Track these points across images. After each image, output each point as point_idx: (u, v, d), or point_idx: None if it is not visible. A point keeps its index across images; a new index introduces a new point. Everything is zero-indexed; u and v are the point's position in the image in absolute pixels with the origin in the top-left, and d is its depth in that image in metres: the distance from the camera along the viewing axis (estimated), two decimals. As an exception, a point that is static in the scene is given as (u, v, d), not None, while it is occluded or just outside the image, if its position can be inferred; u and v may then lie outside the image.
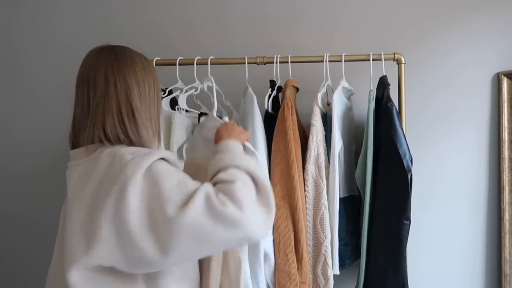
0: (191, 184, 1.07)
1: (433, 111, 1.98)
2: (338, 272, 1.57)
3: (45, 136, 2.20)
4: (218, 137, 1.28)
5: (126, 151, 1.11)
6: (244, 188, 1.07)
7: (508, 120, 1.91)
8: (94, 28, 2.18)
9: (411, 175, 1.51)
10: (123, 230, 1.02)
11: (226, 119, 1.38)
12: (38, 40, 2.23)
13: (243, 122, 1.69)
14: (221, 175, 1.10)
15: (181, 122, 1.69)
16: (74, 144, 1.22)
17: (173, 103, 1.75)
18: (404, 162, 1.49)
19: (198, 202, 1.02)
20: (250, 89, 1.69)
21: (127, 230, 1.01)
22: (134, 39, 2.08)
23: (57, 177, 2.19)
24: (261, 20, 2.08)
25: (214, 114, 1.42)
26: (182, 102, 1.71)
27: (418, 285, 1.87)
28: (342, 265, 1.59)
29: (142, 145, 1.17)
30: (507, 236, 1.90)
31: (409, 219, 1.51)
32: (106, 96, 1.17)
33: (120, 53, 1.22)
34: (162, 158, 1.11)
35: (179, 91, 1.74)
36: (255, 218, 1.06)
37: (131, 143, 1.16)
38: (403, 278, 1.51)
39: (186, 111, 1.74)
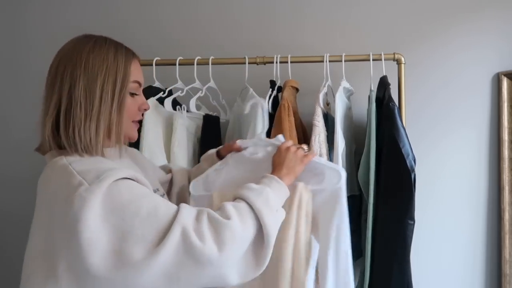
0: (163, 212, 0.96)
1: (433, 111, 1.98)
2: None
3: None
4: (273, 166, 1.19)
5: (74, 168, 0.98)
6: (238, 230, 0.99)
7: (508, 120, 1.91)
8: (94, 28, 2.15)
9: (415, 174, 1.51)
10: (84, 274, 0.92)
11: (281, 137, 1.28)
12: (40, 39, 2.21)
13: (245, 122, 1.68)
14: (230, 206, 1.03)
15: (182, 122, 1.69)
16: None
17: (173, 104, 1.74)
18: (408, 162, 1.48)
19: (174, 240, 0.92)
20: (252, 90, 1.69)
21: (89, 274, 0.91)
22: (134, 39, 2.04)
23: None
24: (261, 20, 2.08)
25: (263, 136, 1.32)
26: (192, 105, 1.70)
27: (418, 285, 1.85)
28: (345, 265, 1.58)
29: (76, 150, 1.03)
30: (507, 236, 1.90)
31: (413, 219, 1.50)
32: (52, 88, 1.06)
33: (82, 41, 1.10)
34: (125, 178, 0.98)
35: (179, 91, 1.74)
36: (233, 262, 0.99)
37: (65, 146, 1.04)
38: (408, 278, 1.51)
39: (187, 111, 1.73)
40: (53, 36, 2.19)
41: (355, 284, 1.66)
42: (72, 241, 0.92)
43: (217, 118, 1.80)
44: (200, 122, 1.76)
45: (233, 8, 2.10)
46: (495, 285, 1.95)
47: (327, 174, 1.22)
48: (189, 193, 1.35)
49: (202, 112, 1.79)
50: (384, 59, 1.70)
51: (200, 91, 1.74)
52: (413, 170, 1.51)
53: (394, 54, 1.72)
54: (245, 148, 1.33)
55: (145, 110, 1.19)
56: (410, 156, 1.50)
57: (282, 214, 1.11)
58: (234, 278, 0.99)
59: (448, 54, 1.98)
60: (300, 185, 1.19)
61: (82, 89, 1.03)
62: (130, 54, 1.13)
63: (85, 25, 2.17)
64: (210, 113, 1.83)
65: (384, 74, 1.70)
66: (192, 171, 1.47)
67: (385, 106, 1.57)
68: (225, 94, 1.84)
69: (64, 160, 1.02)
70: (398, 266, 1.46)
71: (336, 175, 1.22)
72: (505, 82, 1.92)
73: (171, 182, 1.40)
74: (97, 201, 0.93)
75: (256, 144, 1.31)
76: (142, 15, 2.15)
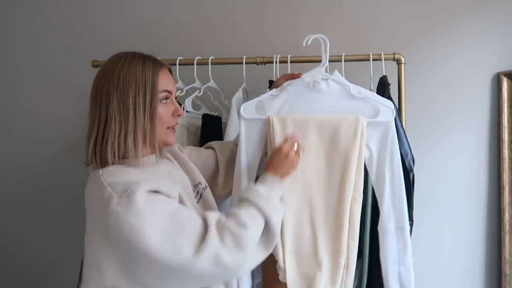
0: (188, 231, 1.07)
1: (433, 111, 1.98)
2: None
3: (40, 141, 2.20)
4: (269, 164, 1.30)
5: (105, 179, 1.09)
6: (253, 234, 1.14)
7: (508, 120, 1.91)
8: (92, 30, 2.18)
9: (413, 175, 1.51)
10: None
11: (337, 73, 1.45)
12: (32, 40, 2.22)
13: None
14: (242, 213, 1.15)
15: (182, 123, 1.69)
16: None
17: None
18: (406, 162, 1.48)
19: (208, 260, 1.06)
20: (240, 92, 1.72)
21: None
22: (134, 39, 2.08)
23: (57, 180, 2.19)
24: (261, 20, 2.09)
25: (323, 69, 1.44)
26: (188, 104, 1.71)
27: (418, 285, 1.86)
28: (343, 265, 1.58)
29: (114, 161, 1.14)
30: (507, 236, 1.90)
31: (412, 219, 1.51)
32: (94, 106, 1.17)
33: (114, 60, 1.20)
34: (150, 191, 1.08)
35: (179, 91, 1.74)
36: (254, 260, 1.16)
37: (105, 158, 1.14)
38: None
39: (187, 111, 1.74)
40: (52, 37, 2.21)
41: (354, 284, 1.68)
42: (114, 246, 1.06)
43: (218, 118, 1.80)
44: (200, 122, 1.76)
45: (233, 8, 2.11)
46: (495, 285, 1.95)
47: (382, 110, 1.40)
48: (239, 116, 1.43)
49: (201, 112, 1.80)
50: (384, 59, 1.70)
51: (198, 91, 1.75)
52: (412, 171, 1.51)
53: (394, 54, 1.71)
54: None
55: (179, 115, 1.26)
56: (409, 156, 1.50)
57: (283, 210, 1.25)
58: (250, 268, 1.17)
59: (449, 53, 1.98)
60: (362, 118, 1.37)
61: (116, 105, 1.14)
62: (157, 65, 1.21)
63: (85, 27, 2.18)
64: (212, 113, 1.83)
65: (384, 74, 1.70)
66: (235, 140, 1.57)
67: (384, 106, 1.56)
68: (225, 94, 1.84)
69: (100, 171, 1.12)
70: (396, 266, 1.46)
71: (390, 111, 1.40)
72: (505, 82, 1.91)
73: (216, 158, 1.50)
74: (127, 214, 1.03)
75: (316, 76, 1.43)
76: (141, 16, 2.15)
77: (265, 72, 1.75)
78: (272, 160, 1.31)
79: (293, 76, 1.45)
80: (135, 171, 1.15)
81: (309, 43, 1.40)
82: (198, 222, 1.11)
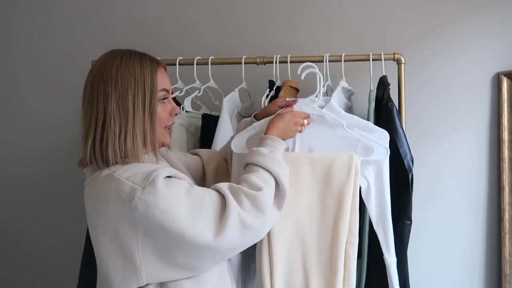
0: (209, 204, 1.09)
1: (433, 111, 1.98)
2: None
3: (43, 138, 2.21)
4: (270, 127, 1.31)
5: (120, 175, 1.07)
6: (268, 194, 1.16)
7: (508, 120, 1.91)
8: (93, 28, 2.18)
9: (412, 175, 1.51)
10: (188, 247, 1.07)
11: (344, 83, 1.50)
12: (36, 40, 2.23)
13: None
14: (255, 178, 1.16)
15: (181, 123, 1.69)
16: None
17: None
18: (405, 162, 1.49)
19: (234, 225, 1.08)
20: (236, 92, 1.73)
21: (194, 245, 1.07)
22: (134, 39, 2.08)
23: (58, 181, 2.20)
24: (261, 20, 2.09)
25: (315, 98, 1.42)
26: (187, 104, 1.71)
27: (418, 285, 1.87)
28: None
29: (116, 161, 1.11)
30: (507, 236, 1.90)
31: (410, 219, 1.51)
32: (90, 106, 1.14)
33: (110, 57, 1.16)
34: (167, 176, 1.09)
35: (178, 91, 1.74)
36: (272, 220, 1.19)
37: (106, 159, 1.11)
38: (405, 278, 1.51)
39: (186, 111, 1.74)
40: (51, 36, 2.21)
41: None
42: (149, 232, 1.05)
43: (218, 118, 1.80)
44: (200, 122, 1.77)
45: (233, 8, 2.11)
46: (495, 285, 1.95)
47: (376, 148, 1.37)
48: (231, 151, 1.43)
49: (201, 112, 1.80)
50: (384, 59, 1.70)
51: (198, 91, 1.75)
52: (411, 171, 1.51)
53: (394, 54, 1.72)
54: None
55: (176, 114, 1.26)
56: (408, 157, 1.50)
57: (288, 168, 1.27)
58: (270, 227, 1.23)
59: (448, 53, 1.98)
60: (355, 156, 1.34)
61: (115, 104, 1.11)
62: (154, 64, 1.19)
63: (84, 26, 2.18)
64: (212, 113, 1.84)
65: (384, 74, 1.70)
66: (221, 151, 1.56)
67: (384, 106, 1.57)
68: (225, 94, 1.84)
69: (107, 170, 1.11)
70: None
71: (383, 150, 1.37)
72: (505, 82, 1.91)
73: (203, 167, 1.50)
74: (156, 200, 1.03)
75: (306, 104, 1.42)
76: (141, 15, 2.15)
77: (266, 72, 1.75)
78: (278, 122, 1.32)
79: (288, 104, 1.41)
80: (143, 164, 1.14)
81: (302, 77, 1.37)
82: (214, 194, 1.12)
